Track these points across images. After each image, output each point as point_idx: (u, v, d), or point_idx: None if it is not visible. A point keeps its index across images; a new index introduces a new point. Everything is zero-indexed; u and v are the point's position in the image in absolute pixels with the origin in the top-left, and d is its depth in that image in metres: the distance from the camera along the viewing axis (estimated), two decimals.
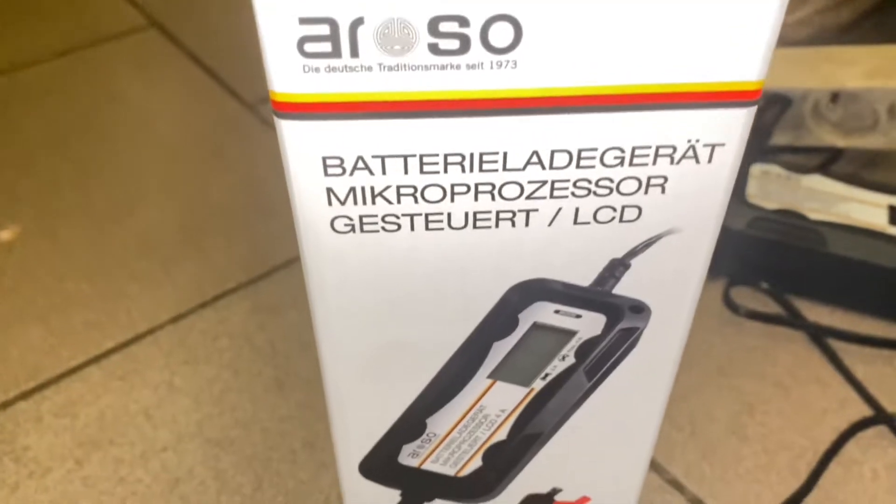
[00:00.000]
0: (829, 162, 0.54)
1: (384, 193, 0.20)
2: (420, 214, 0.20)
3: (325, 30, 0.17)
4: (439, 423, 0.26)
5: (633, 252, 0.21)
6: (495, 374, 0.24)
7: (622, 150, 0.19)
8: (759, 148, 0.53)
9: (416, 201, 0.20)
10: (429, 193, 0.20)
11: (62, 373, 0.45)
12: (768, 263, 0.47)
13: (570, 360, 0.24)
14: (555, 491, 0.29)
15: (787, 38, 0.60)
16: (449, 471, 0.27)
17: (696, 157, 0.19)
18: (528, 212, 0.20)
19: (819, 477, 0.40)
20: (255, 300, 0.49)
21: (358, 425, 0.26)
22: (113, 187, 0.57)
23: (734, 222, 0.46)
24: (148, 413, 0.43)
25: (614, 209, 0.20)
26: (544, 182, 0.20)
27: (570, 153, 0.19)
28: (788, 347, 0.46)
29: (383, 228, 0.20)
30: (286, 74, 0.17)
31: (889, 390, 0.44)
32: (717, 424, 0.42)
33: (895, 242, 0.45)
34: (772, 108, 0.54)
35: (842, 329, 0.46)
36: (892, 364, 0.45)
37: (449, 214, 0.20)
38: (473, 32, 0.17)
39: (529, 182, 0.20)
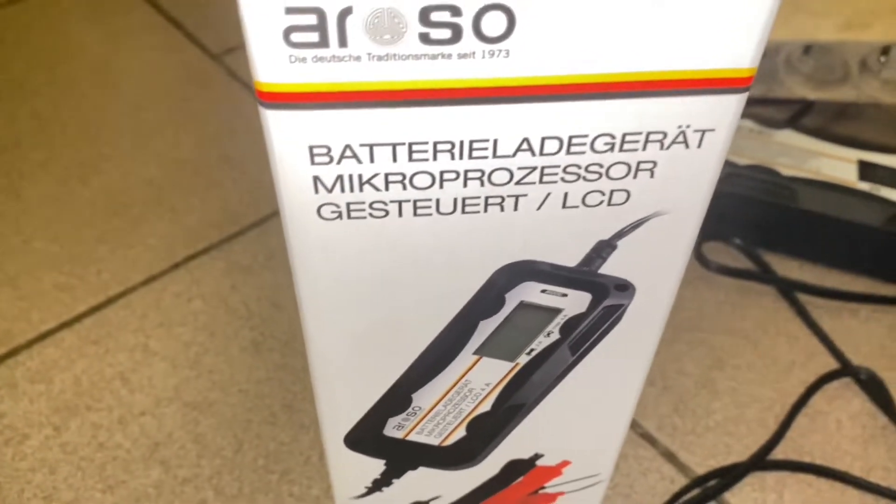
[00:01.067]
0: (799, 115, 0.55)
1: (372, 181, 0.19)
2: (408, 201, 0.20)
3: (312, 20, 0.16)
4: (425, 398, 0.26)
5: (621, 234, 0.21)
6: (481, 351, 0.24)
7: (613, 137, 0.19)
8: None
9: (404, 188, 0.19)
10: (417, 180, 0.19)
11: (34, 337, 0.44)
12: (740, 219, 0.48)
13: (555, 335, 0.24)
14: (536, 456, 0.29)
15: None
16: (433, 441, 0.28)
17: (686, 142, 0.19)
18: (517, 197, 0.20)
19: (787, 429, 0.41)
20: (227, 260, 0.48)
21: (344, 401, 0.26)
22: (77, 144, 0.55)
23: None
24: (124, 377, 0.42)
25: (603, 193, 0.20)
26: (534, 168, 0.19)
27: (560, 140, 0.19)
28: (758, 302, 0.47)
29: (371, 215, 0.20)
30: (272, 65, 0.17)
31: (854, 343, 0.45)
32: (688, 379, 0.43)
33: (863, 198, 0.46)
34: None
35: (810, 283, 0.47)
36: (858, 316, 0.46)
37: (437, 200, 0.20)
38: (466, 22, 0.16)
39: (519, 168, 0.19)
